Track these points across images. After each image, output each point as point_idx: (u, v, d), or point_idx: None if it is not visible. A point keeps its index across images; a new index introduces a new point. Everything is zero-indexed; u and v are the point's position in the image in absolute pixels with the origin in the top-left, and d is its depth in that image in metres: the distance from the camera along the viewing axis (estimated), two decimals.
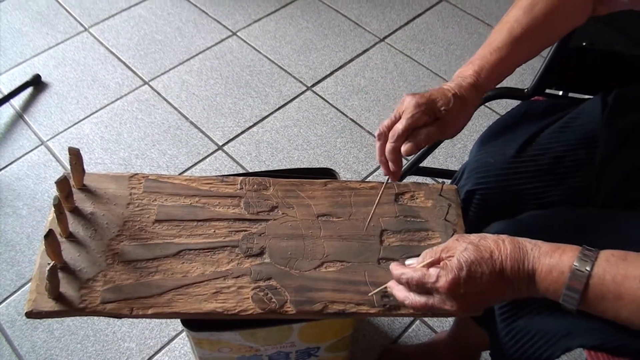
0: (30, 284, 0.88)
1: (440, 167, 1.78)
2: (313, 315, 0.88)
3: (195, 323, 0.98)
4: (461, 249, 0.70)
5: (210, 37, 2.20)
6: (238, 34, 2.22)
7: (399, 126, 0.87)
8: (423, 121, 0.87)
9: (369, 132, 1.92)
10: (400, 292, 0.75)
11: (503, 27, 0.92)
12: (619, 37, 2.00)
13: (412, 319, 1.49)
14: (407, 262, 0.77)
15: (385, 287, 0.81)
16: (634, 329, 0.67)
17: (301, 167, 1.78)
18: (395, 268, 0.76)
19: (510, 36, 0.91)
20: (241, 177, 1.04)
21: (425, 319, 1.49)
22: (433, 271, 0.70)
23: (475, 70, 0.91)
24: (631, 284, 0.63)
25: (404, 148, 0.87)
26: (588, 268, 0.64)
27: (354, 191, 1.03)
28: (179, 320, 1.25)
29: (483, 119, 1.96)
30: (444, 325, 1.49)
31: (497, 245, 0.70)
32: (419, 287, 0.72)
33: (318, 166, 1.73)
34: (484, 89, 0.92)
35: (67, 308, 0.85)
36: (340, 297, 0.89)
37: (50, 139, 1.83)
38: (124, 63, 2.07)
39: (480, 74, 0.91)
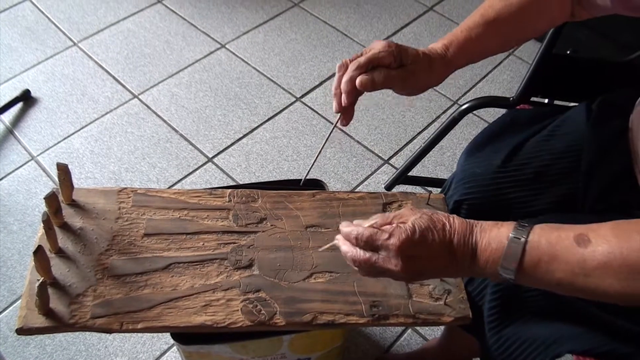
0: (21, 300, 0.88)
1: (429, 176, 1.79)
2: (302, 326, 0.89)
3: (185, 336, 0.98)
4: (416, 217, 0.72)
5: (199, 49, 2.21)
6: (227, 46, 2.23)
7: (362, 58, 0.86)
8: (388, 61, 0.87)
9: (358, 141, 1.93)
10: (344, 246, 0.76)
11: (477, 11, 0.94)
12: (604, 42, 2.02)
13: (403, 328, 1.50)
14: (356, 222, 0.77)
15: (333, 244, 0.81)
16: (565, 294, 0.69)
17: (291, 178, 1.78)
18: (344, 225, 0.76)
19: (481, 18, 0.93)
20: (229, 190, 1.04)
21: (418, 328, 1.50)
22: (387, 228, 0.71)
23: (445, 44, 0.92)
24: (564, 243, 0.65)
25: (359, 79, 0.85)
26: (524, 236, 0.67)
27: (342, 202, 1.04)
28: (169, 333, 1.25)
29: (471, 127, 1.97)
30: (435, 333, 1.49)
31: (448, 219, 0.72)
32: (367, 244, 0.72)
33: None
34: (451, 63, 0.93)
35: (58, 324, 0.85)
36: (330, 307, 0.89)
37: (41, 153, 1.83)
38: (113, 77, 2.07)
39: (449, 48, 0.92)
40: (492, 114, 1.95)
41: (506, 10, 0.93)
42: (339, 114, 0.91)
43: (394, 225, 0.71)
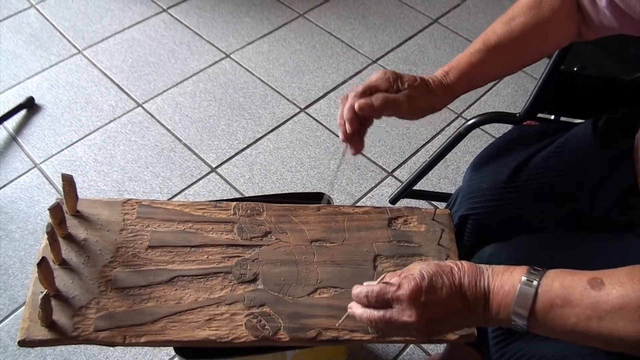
0: (23, 309, 0.87)
1: (433, 190, 1.79)
2: (307, 342, 0.88)
3: (188, 351, 0.97)
4: (423, 265, 0.72)
5: (204, 59, 2.21)
6: (231, 56, 2.24)
7: (360, 87, 0.89)
8: (384, 86, 0.89)
9: (362, 153, 1.92)
10: (358, 310, 0.76)
11: (480, 37, 0.95)
12: (612, 59, 2.02)
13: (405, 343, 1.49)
14: (366, 283, 0.77)
15: (348, 314, 0.80)
16: (579, 342, 0.68)
17: (294, 189, 1.78)
18: (355, 288, 0.77)
19: (483, 44, 0.93)
20: (234, 203, 1.04)
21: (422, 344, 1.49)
22: (395, 280, 0.72)
23: (445, 70, 0.94)
24: (578, 286, 0.65)
25: (357, 104, 0.87)
26: (537, 279, 0.67)
27: (347, 216, 1.03)
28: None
29: (476, 140, 1.97)
30: (438, 348, 1.48)
31: (456, 264, 0.72)
32: (378, 300, 0.72)
33: (311, 189, 1.74)
34: (451, 89, 0.94)
35: (60, 336, 0.85)
36: (334, 323, 0.89)
37: (44, 161, 1.83)
38: (118, 85, 2.07)
39: (449, 74, 0.93)
40: (497, 128, 1.95)
41: (509, 35, 0.93)
42: (346, 144, 0.93)
43: (402, 276, 0.72)
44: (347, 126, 0.90)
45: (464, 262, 0.72)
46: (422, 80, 0.91)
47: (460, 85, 0.94)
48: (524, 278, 0.67)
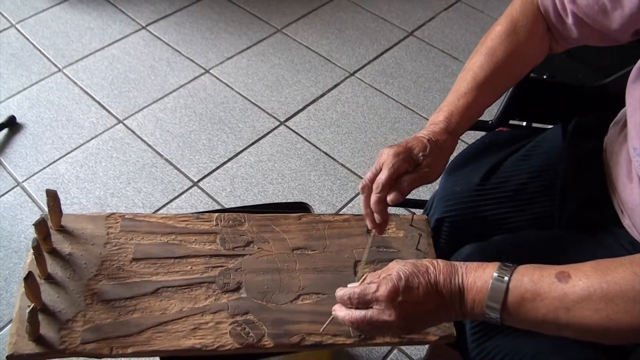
0: (9, 326, 0.88)
1: (411, 197, 1.82)
2: (290, 347, 0.90)
3: None
4: (400, 265, 0.75)
5: (184, 75, 2.23)
6: (211, 71, 2.26)
7: (382, 177, 0.89)
8: (404, 169, 0.90)
9: (342, 164, 1.96)
10: (340, 312, 0.79)
11: (467, 74, 0.97)
12: (580, 66, 2.08)
13: (389, 348, 1.51)
14: (349, 285, 0.80)
15: (332, 318, 0.83)
16: (550, 333, 0.72)
17: (276, 201, 1.80)
18: (338, 290, 0.79)
19: (474, 82, 0.96)
20: (216, 214, 1.06)
21: (404, 348, 1.51)
22: (374, 283, 0.75)
23: (446, 117, 0.95)
24: (546, 280, 0.68)
25: (389, 197, 0.89)
26: (507, 275, 0.70)
27: (328, 224, 1.06)
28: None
29: None
30: (420, 353, 1.51)
31: (432, 263, 0.75)
32: (360, 301, 0.75)
33: (293, 200, 1.76)
34: (456, 132, 0.96)
35: (48, 350, 0.86)
36: (317, 328, 0.91)
37: (26, 179, 1.83)
38: (98, 102, 2.09)
39: (451, 119, 0.95)
40: (473, 136, 1.99)
41: (495, 67, 0.96)
42: (374, 230, 0.94)
43: (380, 277, 0.74)
44: (377, 217, 0.91)
45: (440, 261, 0.75)
46: (430, 143, 0.92)
47: (463, 126, 0.96)
48: (495, 274, 0.70)
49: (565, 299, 0.66)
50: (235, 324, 0.91)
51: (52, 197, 0.98)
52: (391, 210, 0.91)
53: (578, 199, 0.98)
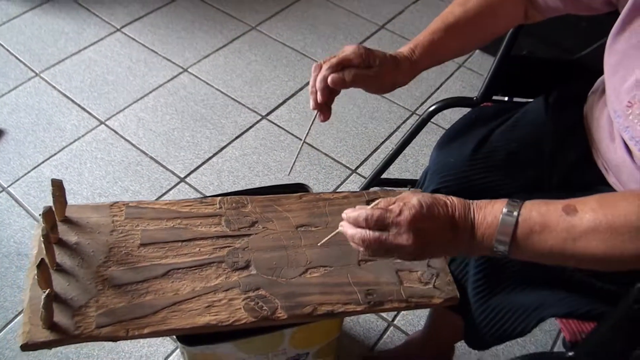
0: (20, 317, 0.88)
1: (401, 178, 1.86)
2: (304, 318, 0.93)
3: (190, 338, 1.00)
4: (419, 196, 0.78)
5: (162, 74, 2.24)
6: (189, 70, 2.27)
7: (334, 59, 0.95)
8: (356, 62, 0.95)
9: (325, 154, 1.99)
10: (350, 230, 0.80)
11: (439, 17, 1.04)
12: (549, 48, 2.16)
13: (385, 325, 1.55)
14: (358, 207, 0.81)
15: (338, 232, 0.85)
16: (558, 264, 0.76)
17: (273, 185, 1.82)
18: (350, 211, 0.81)
19: (443, 23, 1.02)
20: (219, 197, 1.08)
21: (399, 325, 1.55)
22: (395, 207, 0.77)
23: (411, 48, 1.02)
24: (554, 213, 0.73)
25: (330, 78, 0.94)
26: (516, 210, 0.74)
27: (328, 201, 1.09)
28: (168, 341, 1.26)
29: (431, 134, 2.06)
30: (416, 328, 1.55)
31: (448, 198, 0.79)
32: (378, 223, 0.77)
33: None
34: (417, 64, 1.02)
35: (63, 336, 0.86)
36: (328, 299, 0.94)
37: (11, 184, 1.82)
38: (79, 105, 2.08)
39: (415, 51, 1.01)
40: (457, 113, 2.04)
41: (464, 15, 1.02)
42: (316, 111, 0.99)
43: (401, 204, 0.77)
44: (319, 95, 0.96)
45: (454, 197, 0.79)
46: (391, 57, 0.98)
47: (424, 61, 1.02)
48: (505, 209, 0.74)
49: (573, 231, 0.71)
50: (249, 299, 0.93)
51: (58, 187, 0.99)
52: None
53: (565, 163, 1.04)
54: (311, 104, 0.98)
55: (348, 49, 0.97)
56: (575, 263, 0.75)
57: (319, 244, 0.97)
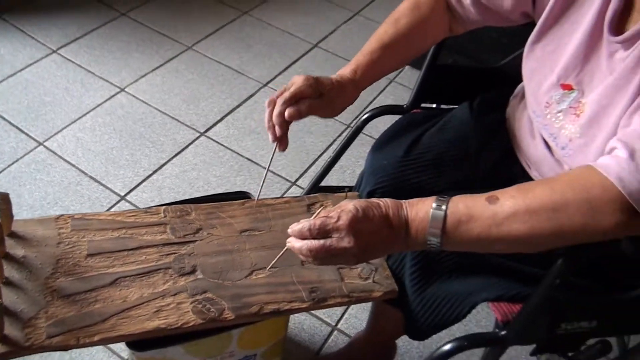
0: None
1: (340, 185, 1.92)
2: (251, 317, 0.97)
3: (139, 343, 1.02)
4: (354, 201, 0.84)
5: (99, 94, 2.24)
6: (126, 89, 2.29)
7: (286, 94, 1.01)
8: (308, 94, 1.01)
9: (265, 168, 2.04)
10: (297, 243, 0.85)
11: (373, 38, 1.11)
12: (470, 62, 2.29)
13: (329, 330, 1.60)
14: (302, 221, 0.86)
15: (286, 250, 0.90)
16: (486, 251, 0.84)
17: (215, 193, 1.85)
18: (294, 225, 0.86)
19: (378, 44, 1.09)
20: (163, 207, 1.11)
21: (343, 328, 1.61)
22: (335, 213, 0.83)
23: (352, 69, 1.08)
24: (478, 204, 0.80)
25: (287, 112, 0.99)
26: (444, 205, 0.81)
27: (271, 207, 1.14)
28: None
29: (366, 146, 2.09)
30: (359, 330, 1.60)
31: (381, 200, 0.85)
32: (320, 231, 0.83)
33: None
34: (360, 84, 1.09)
35: (14, 348, 0.87)
36: (273, 298, 0.99)
37: None
38: (16, 127, 2.06)
39: (357, 71, 1.08)
40: (388, 120, 2.13)
41: (398, 34, 1.10)
42: (275, 143, 1.04)
43: (339, 210, 0.83)
44: (277, 129, 1.01)
45: (387, 199, 0.85)
46: (337, 82, 1.05)
47: (366, 80, 1.09)
48: (434, 205, 0.81)
49: (496, 217, 0.78)
50: (196, 302, 0.96)
51: (4, 200, 1.00)
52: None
53: (489, 161, 1.13)
54: (270, 137, 1.03)
55: (298, 81, 1.02)
56: (502, 247, 0.82)
57: (267, 268, 1.02)
